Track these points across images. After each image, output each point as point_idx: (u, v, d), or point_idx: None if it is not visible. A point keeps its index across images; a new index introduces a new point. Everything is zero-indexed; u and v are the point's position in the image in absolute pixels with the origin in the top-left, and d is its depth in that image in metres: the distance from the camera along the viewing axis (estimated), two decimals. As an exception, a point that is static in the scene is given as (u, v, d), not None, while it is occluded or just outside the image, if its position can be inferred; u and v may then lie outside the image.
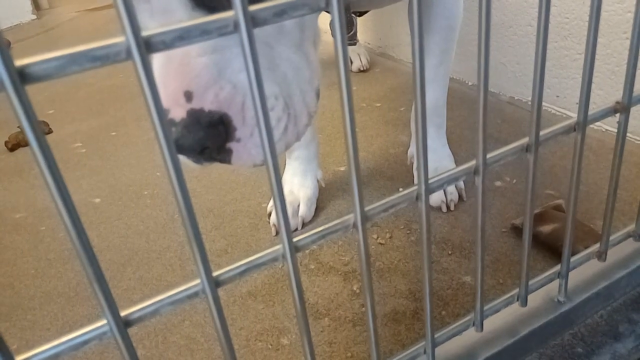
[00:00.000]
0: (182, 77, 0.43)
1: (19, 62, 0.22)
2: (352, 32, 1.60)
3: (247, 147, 0.46)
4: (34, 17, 2.89)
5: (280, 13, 0.27)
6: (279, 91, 0.47)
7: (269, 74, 0.46)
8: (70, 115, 1.55)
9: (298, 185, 0.96)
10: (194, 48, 0.43)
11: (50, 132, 1.45)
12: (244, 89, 0.44)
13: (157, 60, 0.45)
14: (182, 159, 0.47)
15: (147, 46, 0.24)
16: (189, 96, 0.43)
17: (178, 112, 0.43)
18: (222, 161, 0.47)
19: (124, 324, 0.30)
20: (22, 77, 0.22)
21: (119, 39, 0.24)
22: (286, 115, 0.47)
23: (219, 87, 0.43)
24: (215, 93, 0.43)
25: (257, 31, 0.45)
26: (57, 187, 0.25)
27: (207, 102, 0.43)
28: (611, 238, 0.58)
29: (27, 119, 0.23)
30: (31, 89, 0.23)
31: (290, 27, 0.48)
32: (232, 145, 0.45)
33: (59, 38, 2.49)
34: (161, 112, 0.26)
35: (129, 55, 0.24)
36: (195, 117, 0.43)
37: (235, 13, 0.26)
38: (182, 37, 0.25)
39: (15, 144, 1.38)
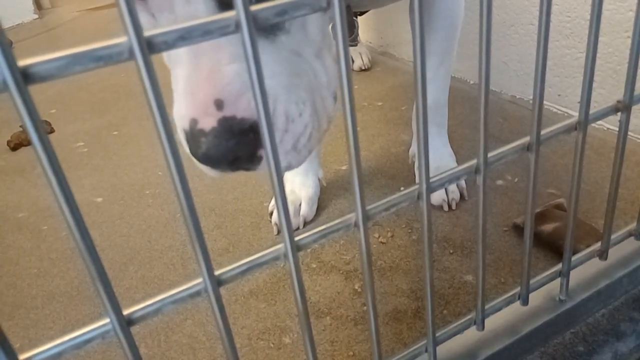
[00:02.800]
0: (213, 85, 0.42)
1: (22, 62, 0.23)
2: (353, 35, 1.60)
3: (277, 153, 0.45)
4: (36, 16, 2.90)
5: (281, 13, 0.27)
6: (307, 97, 0.46)
7: (297, 81, 0.46)
8: (72, 115, 1.55)
9: (299, 184, 0.96)
10: (224, 56, 0.42)
11: (52, 131, 1.46)
12: (274, 95, 0.43)
13: (183, 69, 0.44)
14: (204, 167, 0.46)
15: (150, 46, 0.24)
16: (219, 105, 0.42)
17: (208, 121, 0.42)
18: (249, 170, 0.46)
19: (127, 323, 0.30)
20: (25, 77, 0.22)
21: (122, 39, 0.24)
22: (312, 122, 0.47)
23: (251, 94, 0.43)
24: (248, 100, 0.42)
25: (285, 39, 0.45)
26: (60, 186, 0.25)
27: (240, 110, 0.42)
28: (612, 237, 0.58)
29: (31, 118, 0.23)
30: (33, 88, 0.23)
31: (314, 35, 0.48)
32: (262, 152, 0.44)
33: (61, 38, 2.49)
34: (163, 111, 0.26)
35: (131, 55, 0.24)
36: (228, 125, 0.42)
37: (236, 13, 0.26)
38: (183, 38, 0.25)
39: (18, 144, 1.38)
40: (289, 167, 0.47)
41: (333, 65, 0.52)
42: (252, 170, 0.45)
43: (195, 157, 0.44)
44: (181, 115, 0.44)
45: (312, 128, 0.47)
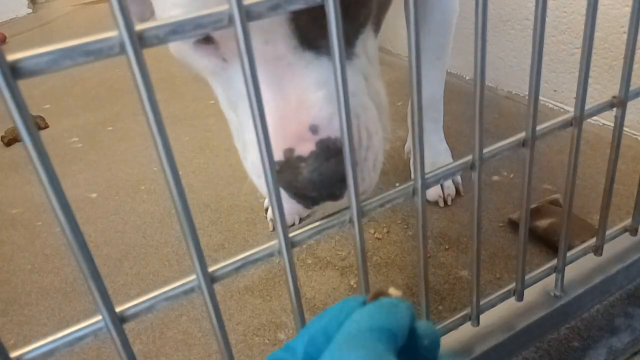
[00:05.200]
0: (306, 113, 0.43)
1: (10, 57, 0.22)
2: None
3: (362, 171, 0.46)
4: (30, 10, 2.88)
5: (274, 7, 0.27)
6: (378, 116, 0.48)
7: (370, 101, 0.47)
8: (66, 110, 1.54)
9: (295, 180, 0.96)
10: (309, 85, 0.44)
11: (46, 126, 1.45)
12: (355, 113, 0.45)
13: (270, 102, 0.44)
14: (291, 204, 0.46)
15: (141, 40, 0.24)
16: (314, 130, 0.43)
17: (306, 146, 0.42)
18: (338, 197, 0.45)
19: (120, 320, 0.30)
20: (14, 72, 0.22)
21: (112, 33, 0.24)
22: (382, 146, 0.48)
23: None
24: (339, 121, 0.44)
25: (357, 63, 0.47)
26: (51, 182, 0.25)
27: (334, 131, 0.43)
28: (607, 232, 0.58)
29: (20, 114, 0.23)
30: (27, 84, 0.22)
31: (372, 57, 0.50)
32: None
33: (55, 32, 2.47)
34: (155, 106, 0.26)
35: (122, 49, 0.24)
36: (325, 146, 0.43)
37: (230, 7, 0.26)
38: (175, 32, 0.25)
39: (12, 139, 1.37)
40: (371, 185, 0.48)
41: (382, 86, 0.53)
42: (340, 198, 0.45)
43: (293, 187, 0.44)
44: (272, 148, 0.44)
45: (383, 145, 0.49)
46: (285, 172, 0.43)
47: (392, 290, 0.32)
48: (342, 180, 0.43)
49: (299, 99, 0.43)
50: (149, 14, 0.64)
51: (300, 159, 0.42)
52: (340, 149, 0.43)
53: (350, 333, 0.27)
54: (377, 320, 0.27)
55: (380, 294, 0.31)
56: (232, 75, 0.46)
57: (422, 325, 0.32)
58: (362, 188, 0.46)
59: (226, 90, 0.49)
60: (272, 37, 0.42)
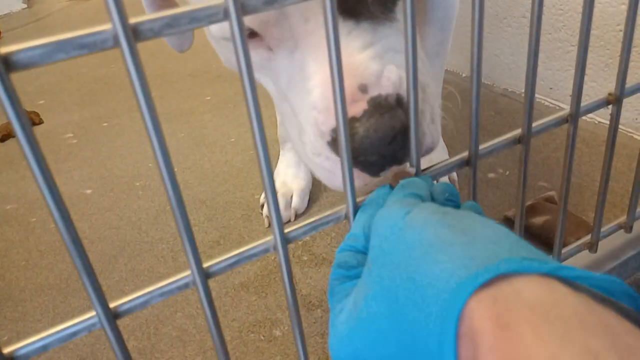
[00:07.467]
0: (353, 74, 0.43)
1: (4, 49, 0.22)
2: None
3: (422, 125, 0.45)
4: (25, 6, 2.86)
5: (270, 1, 0.27)
6: (426, 71, 0.48)
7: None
8: (61, 106, 1.54)
9: (291, 176, 0.96)
10: (354, 49, 0.43)
11: (41, 122, 1.44)
12: (403, 68, 0.44)
13: (318, 73, 0.44)
14: (355, 178, 0.45)
15: (135, 34, 0.24)
16: (364, 89, 0.43)
17: (358, 106, 0.42)
18: (399, 159, 0.44)
19: (113, 316, 0.30)
20: (6, 65, 0.22)
21: (106, 26, 0.23)
22: (436, 98, 0.48)
23: (388, 71, 0.44)
24: (387, 77, 0.44)
25: (398, 25, 0.46)
26: (45, 178, 0.25)
27: (383, 88, 0.43)
28: (602, 230, 0.59)
29: (12, 107, 0.22)
30: (21, 80, 0.22)
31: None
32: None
33: (50, 28, 2.46)
34: (150, 99, 0.25)
35: (116, 42, 0.24)
36: (377, 104, 0.42)
37: (225, 0, 0.25)
38: (170, 25, 0.25)
39: (6, 134, 1.37)
40: (433, 140, 0.47)
41: (421, 50, 0.53)
42: (403, 160, 0.44)
43: (354, 151, 0.42)
44: (326, 116, 0.44)
45: (438, 98, 0.49)
46: None
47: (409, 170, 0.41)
48: (401, 136, 0.42)
49: (345, 63, 0.42)
50: (188, 45, 0.65)
51: (354, 119, 0.42)
52: (392, 104, 0.43)
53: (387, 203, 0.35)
54: (403, 192, 0.36)
55: (399, 177, 0.40)
56: (280, 62, 0.47)
57: (440, 185, 0.39)
58: (425, 144, 0.45)
59: (275, 80, 0.49)
60: (312, 14, 0.43)
